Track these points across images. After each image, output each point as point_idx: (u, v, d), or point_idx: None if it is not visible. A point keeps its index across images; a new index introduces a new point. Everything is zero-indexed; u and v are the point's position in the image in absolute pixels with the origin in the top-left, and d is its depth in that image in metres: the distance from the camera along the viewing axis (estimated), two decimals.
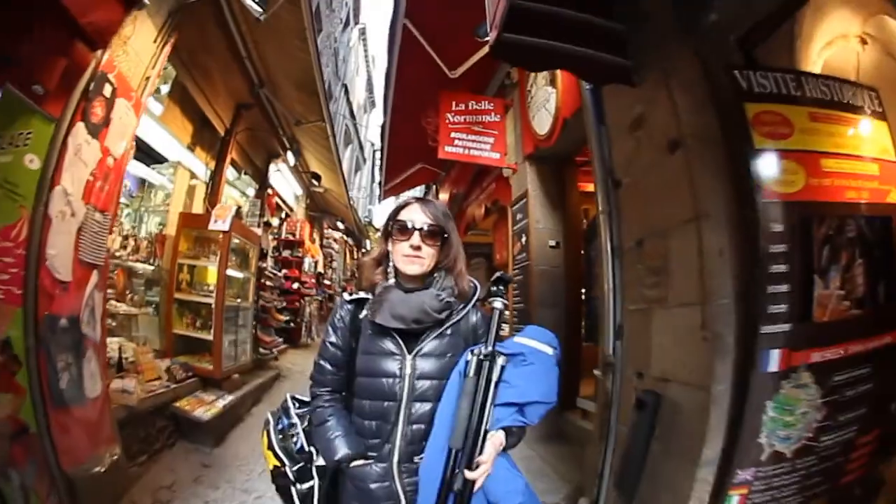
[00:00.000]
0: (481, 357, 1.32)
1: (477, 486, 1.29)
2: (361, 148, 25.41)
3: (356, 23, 19.59)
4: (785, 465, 2.17)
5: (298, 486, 1.56)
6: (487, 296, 1.45)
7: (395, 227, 1.50)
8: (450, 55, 4.74)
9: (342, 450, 1.44)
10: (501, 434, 1.38)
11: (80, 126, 2.61)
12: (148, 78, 3.28)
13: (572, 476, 3.84)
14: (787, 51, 2.59)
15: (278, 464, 1.61)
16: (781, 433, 2.13)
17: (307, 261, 11.30)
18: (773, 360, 2.08)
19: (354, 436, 1.49)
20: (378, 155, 11.69)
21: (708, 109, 2.32)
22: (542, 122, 4.51)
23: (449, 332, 1.51)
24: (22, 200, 2.33)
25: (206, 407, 4.50)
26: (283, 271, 10.01)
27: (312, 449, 1.59)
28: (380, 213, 26.61)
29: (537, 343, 1.47)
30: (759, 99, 2.19)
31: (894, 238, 2.24)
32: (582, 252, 4.88)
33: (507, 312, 1.26)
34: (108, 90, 2.83)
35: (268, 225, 8.03)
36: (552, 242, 4.91)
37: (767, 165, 2.12)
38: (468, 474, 1.26)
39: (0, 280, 2.25)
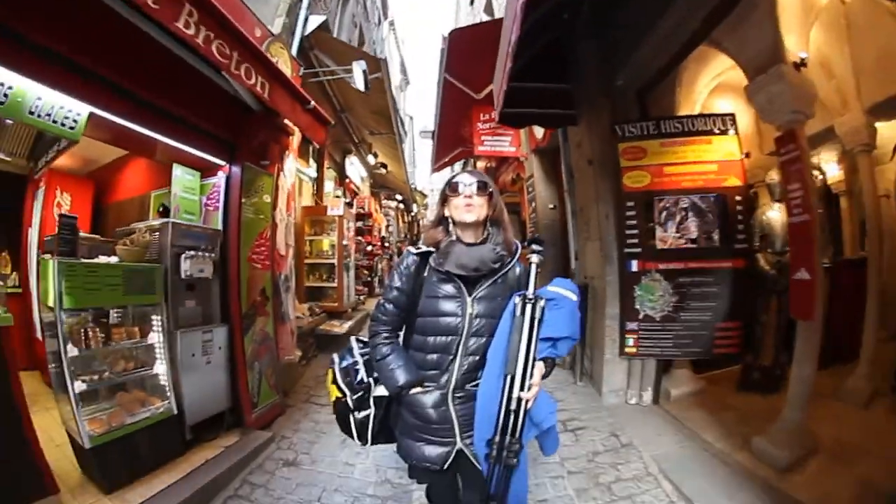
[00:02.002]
0: (527, 300, 1.48)
1: (529, 405, 1.45)
2: (402, 123, 27.13)
3: (385, 17, 20.92)
4: (656, 325, 4.02)
5: (357, 414, 1.75)
6: (527, 251, 1.61)
7: (450, 189, 1.68)
8: (475, 82, 6.51)
9: (403, 377, 1.60)
10: (542, 364, 1.53)
11: (280, 174, 4.71)
12: None
13: None
14: (671, 94, 4.35)
15: (340, 395, 1.78)
16: (648, 305, 4.02)
17: (375, 227, 13.45)
18: (634, 265, 4.02)
19: (413, 366, 1.65)
20: (416, 131, 13.33)
21: (605, 144, 4.23)
22: (539, 130, 6.40)
23: (500, 280, 1.66)
24: (266, 218, 4.40)
25: (337, 329, 6.77)
26: (360, 237, 12.06)
27: (371, 380, 1.76)
28: (420, 177, 28.81)
29: (565, 290, 1.61)
30: (626, 140, 4.04)
31: (729, 204, 3.92)
32: None
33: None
34: (288, 154, 4.94)
35: (349, 205, 10.16)
36: (551, 205, 6.82)
37: (627, 174, 4.02)
38: (524, 395, 1.42)
39: (261, 258, 4.32)
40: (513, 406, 1.41)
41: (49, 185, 4.80)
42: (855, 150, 4.14)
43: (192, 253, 3.40)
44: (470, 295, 1.63)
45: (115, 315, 3.18)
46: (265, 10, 4.89)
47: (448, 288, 1.64)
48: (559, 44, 4.53)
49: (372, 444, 1.78)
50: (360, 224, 12.22)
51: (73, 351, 2.75)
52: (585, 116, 4.51)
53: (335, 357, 1.91)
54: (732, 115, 4.02)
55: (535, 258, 1.56)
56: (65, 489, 2.69)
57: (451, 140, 8.46)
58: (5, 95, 2.34)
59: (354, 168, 11.61)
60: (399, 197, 17.90)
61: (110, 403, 3.07)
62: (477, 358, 1.61)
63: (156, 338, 3.27)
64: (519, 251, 1.74)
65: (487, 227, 1.70)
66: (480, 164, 10.84)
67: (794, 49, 3.06)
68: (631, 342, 4.11)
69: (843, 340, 3.94)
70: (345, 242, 8.22)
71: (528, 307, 1.47)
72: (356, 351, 1.88)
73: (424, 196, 26.99)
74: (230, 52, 2.76)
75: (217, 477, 3.16)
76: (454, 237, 1.68)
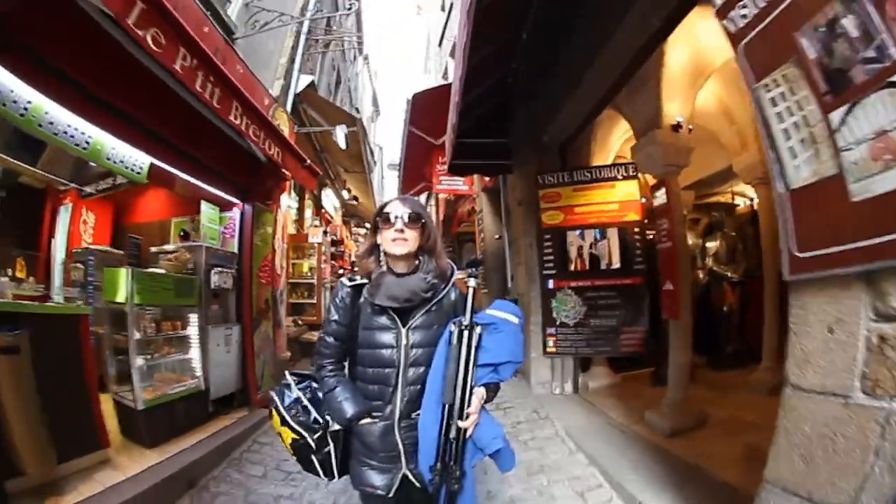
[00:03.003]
0: (462, 327, 1.51)
1: (469, 432, 1.49)
2: (372, 153, 28.37)
3: (360, 53, 22.32)
4: (570, 330, 5.09)
5: (319, 452, 1.70)
6: (464, 276, 1.62)
7: (381, 219, 1.65)
8: (434, 131, 7.73)
9: (350, 409, 1.59)
10: (483, 390, 1.55)
11: (278, 211, 5.81)
12: None
13: None
14: (587, 147, 5.62)
15: (296, 437, 1.70)
16: (563, 314, 5.13)
17: (346, 253, 14.52)
18: (551, 283, 5.17)
19: (360, 397, 1.63)
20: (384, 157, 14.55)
21: (530, 189, 5.45)
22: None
23: (434, 308, 1.66)
24: (268, 245, 5.49)
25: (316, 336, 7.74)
26: (333, 262, 13.09)
27: (328, 418, 1.69)
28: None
29: (505, 314, 1.63)
30: (545, 187, 5.25)
31: (629, 234, 5.05)
32: None
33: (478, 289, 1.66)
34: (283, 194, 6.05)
35: (325, 233, 11.23)
36: (496, 236, 8.06)
37: (545, 213, 5.25)
38: (461, 423, 1.45)
39: (265, 275, 5.41)
40: (451, 434, 1.44)
41: (76, 205, 5.58)
42: (753, 182, 5.17)
43: (219, 269, 4.49)
44: (405, 325, 1.62)
45: (163, 312, 4.17)
46: (266, 74, 6.05)
47: (382, 320, 1.63)
48: (502, 106, 5.73)
49: (339, 476, 1.74)
50: (333, 249, 13.27)
51: (136, 335, 3.76)
52: (518, 167, 5.77)
53: (273, 396, 1.82)
54: (634, 164, 5.05)
55: (472, 282, 1.60)
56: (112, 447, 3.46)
57: (415, 177, 9.72)
58: (87, 143, 3.40)
59: (329, 199, 12.72)
60: (368, 225, 19.01)
61: (151, 381, 4.00)
62: (419, 387, 1.61)
63: (192, 331, 4.31)
64: (455, 276, 1.74)
65: (419, 256, 1.70)
66: (442, 196, 12.14)
67: (676, 113, 3.89)
68: (551, 343, 5.17)
69: (756, 343, 4.97)
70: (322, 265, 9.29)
71: (465, 334, 1.49)
72: (294, 388, 1.82)
73: None
74: (261, 133, 3.96)
75: (233, 437, 4.18)
76: (384, 268, 1.67)
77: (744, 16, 1.74)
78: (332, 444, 1.69)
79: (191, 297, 4.25)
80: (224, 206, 5.05)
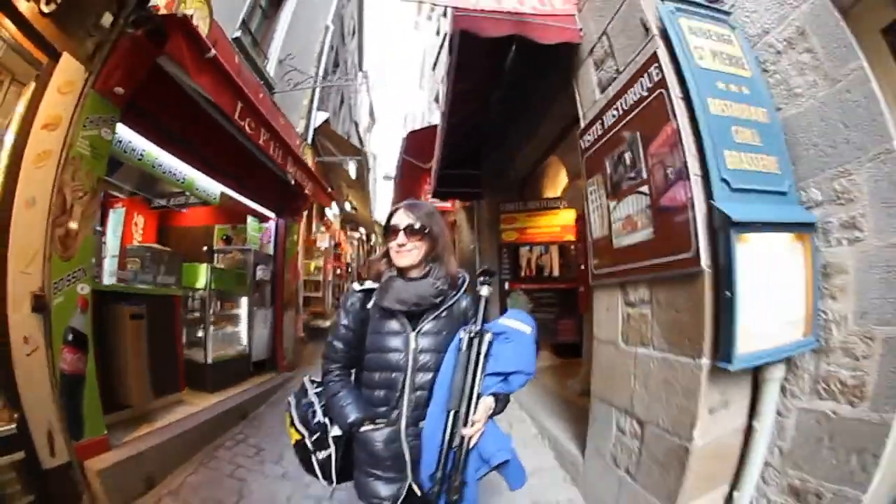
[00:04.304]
0: (472, 335, 1.47)
1: (473, 441, 1.42)
2: (359, 152, 29.89)
3: (360, 69, 23.86)
4: None
5: (318, 455, 1.68)
6: (477, 284, 1.60)
7: (386, 231, 1.67)
8: (423, 157, 9.24)
9: (353, 414, 1.54)
10: (491, 399, 1.48)
11: (301, 223, 7.36)
12: None
13: None
14: (541, 181, 7.22)
15: (299, 437, 1.72)
16: (519, 308, 6.84)
17: (344, 255, 16.14)
18: (507, 285, 6.76)
19: (363, 403, 1.58)
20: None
21: (494, 213, 7.03)
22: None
23: (444, 313, 1.62)
24: (294, 250, 7.05)
25: (322, 324, 9.33)
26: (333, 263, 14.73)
27: (327, 420, 1.68)
28: (379, 209, 31.49)
29: (517, 323, 1.58)
30: (505, 212, 6.83)
31: (567, 250, 6.76)
32: None
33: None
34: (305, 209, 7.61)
35: (329, 238, 12.83)
36: (471, 246, 9.57)
37: (504, 232, 6.84)
38: (464, 431, 1.39)
39: (292, 273, 6.94)
40: (455, 442, 1.39)
41: (129, 210, 6.67)
42: None
43: (262, 267, 6.06)
44: (413, 330, 1.58)
45: (224, 296, 5.70)
46: (294, 115, 7.58)
47: (391, 324, 1.60)
48: (477, 146, 7.30)
49: (337, 483, 1.73)
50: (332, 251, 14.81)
51: (215, 309, 5.30)
52: (487, 194, 7.34)
53: (291, 399, 1.86)
54: (565, 200, 6.75)
55: (484, 290, 1.56)
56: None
57: (407, 193, 11.22)
58: (183, 179, 4.97)
59: (330, 208, 14.25)
60: (362, 230, 20.63)
61: (216, 343, 5.51)
62: (426, 393, 1.56)
63: (242, 311, 5.86)
64: (465, 284, 1.71)
65: (429, 262, 1.66)
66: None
67: None
68: None
69: None
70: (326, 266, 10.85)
71: (475, 342, 1.46)
72: (310, 391, 1.84)
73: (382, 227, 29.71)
74: (294, 167, 5.50)
75: (268, 389, 5.71)
76: (395, 272, 1.65)
77: (587, 140, 3.20)
78: (332, 448, 1.66)
79: (243, 286, 5.81)
80: (262, 219, 6.60)
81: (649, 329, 2.53)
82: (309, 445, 1.69)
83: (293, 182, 5.93)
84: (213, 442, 4.21)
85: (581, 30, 3.30)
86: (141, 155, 4.29)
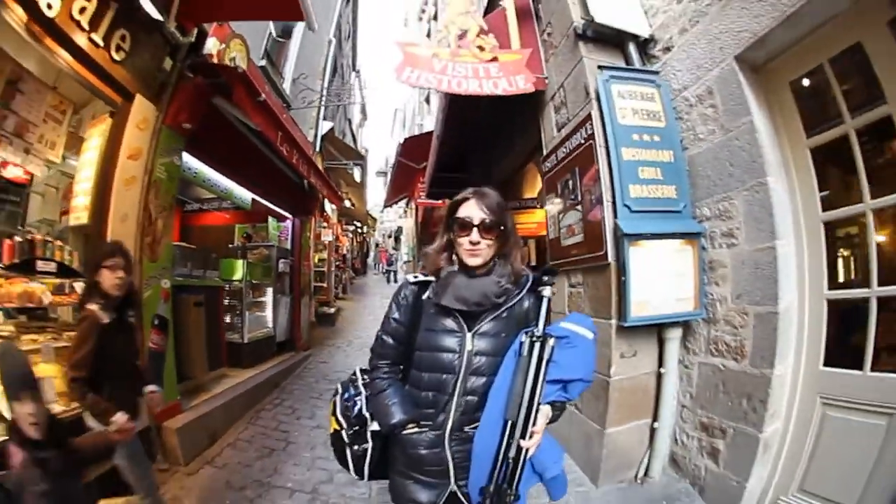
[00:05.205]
0: (534, 338, 1.32)
1: (530, 453, 1.30)
2: (361, 157, 30.86)
3: (354, 68, 24.46)
4: None
5: (354, 448, 1.61)
6: (539, 284, 1.43)
7: (456, 224, 1.48)
8: (417, 158, 10.24)
9: (398, 415, 1.46)
10: (549, 408, 1.37)
11: (313, 221, 8.38)
12: None
13: None
14: (520, 184, 8.25)
15: (338, 427, 1.65)
16: None
17: (341, 247, 17.15)
18: None
19: (410, 404, 1.49)
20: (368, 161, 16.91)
21: None
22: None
23: (505, 314, 1.48)
24: (307, 245, 8.07)
25: (328, 310, 10.36)
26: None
27: (367, 414, 1.61)
28: (370, 201, 32.57)
29: (580, 328, 1.43)
30: None
31: (542, 244, 7.76)
32: None
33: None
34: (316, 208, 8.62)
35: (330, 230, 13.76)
36: None
37: None
38: (523, 443, 1.27)
39: (306, 265, 7.97)
40: (511, 454, 1.27)
41: None
42: None
43: (284, 260, 7.07)
44: (470, 330, 1.46)
45: (255, 286, 6.68)
46: (305, 126, 8.51)
47: (447, 322, 1.48)
48: (466, 153, 8.25)
49: (369, 479, 1.65)
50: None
51: (248, 298, 6.31)
52: None
53: (339, 387, 1.79)
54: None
55: (547, 291, 1.41)
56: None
57: (400, 188, 12.31)
58: (225, 190, 5.99)
59: (327, 203, 15.24)
60: (356, 223, 21.68)
61: (251, 326, 6.52)
62: (476, 398, 1.44)
63: (268, 298, 6.88)
64: (529, 283, 1.51)
65: (494, 258, 1.50)
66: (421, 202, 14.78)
67: None
68: None
69: None
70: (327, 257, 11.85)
71: (536, 346, 1.31)
72: (360, 383, 1.75)
73: (375, 220, 30.74)
74: (310, 174, 6.43)
75: (291, 365, 6.72)
76: (456, 267, 1.52)
77: (547, 166, 4.21)
78: (370, 443, 1.60)
79: (269, 277, 6.83)
80: (280, 219, 7.60)
81: (584, 302, 3.58)
82: (345, 438, 1.64)
83: (307, 185, 6.88)
84: (255, 406, 5.18)
85: (546, 79, 4.26)
86: (195, 172, 5.29)
